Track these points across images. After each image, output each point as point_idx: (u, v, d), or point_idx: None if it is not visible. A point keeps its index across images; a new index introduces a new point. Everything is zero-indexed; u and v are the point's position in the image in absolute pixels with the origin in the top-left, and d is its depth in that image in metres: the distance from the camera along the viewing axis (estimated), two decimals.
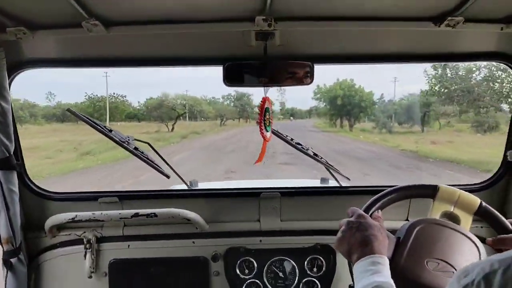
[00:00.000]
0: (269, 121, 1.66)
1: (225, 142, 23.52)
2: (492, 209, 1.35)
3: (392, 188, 1.41)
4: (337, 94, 38.57)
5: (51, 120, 35.20)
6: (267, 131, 1.67)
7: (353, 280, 1.20)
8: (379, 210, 1.32)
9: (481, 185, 1.91)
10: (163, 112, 36.55)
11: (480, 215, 1.35)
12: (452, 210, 1.36)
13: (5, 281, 1.66)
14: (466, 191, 1.40)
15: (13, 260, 1.66)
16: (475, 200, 1.36)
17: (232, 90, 53.14)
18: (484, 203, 1.36)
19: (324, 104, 44.05)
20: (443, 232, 1.25)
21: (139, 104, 42.69)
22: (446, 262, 1.17)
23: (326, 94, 40.63)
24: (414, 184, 1.43)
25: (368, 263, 1.06)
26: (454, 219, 1.34)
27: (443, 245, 1.22)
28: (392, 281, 1.01)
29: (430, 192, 1.41)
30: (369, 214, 1.29)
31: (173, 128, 33.38)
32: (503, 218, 1.32)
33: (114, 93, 40.69)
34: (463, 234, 1.25)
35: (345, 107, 38.14)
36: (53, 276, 1.84)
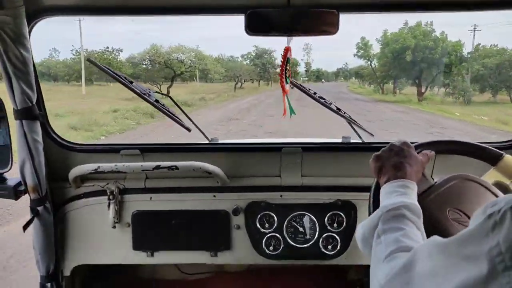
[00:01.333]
0: (289, 73, 1.61)
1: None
2: None
3: (457, 139, 1.37)
4: (405, 45, 27.52)
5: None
6: (286, 82, 1.63)
7: (371, 208, 1.20)
8: (432, 151, 1.26)
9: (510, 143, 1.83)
10: (154, 70, 31.48)
11: None
12: (509, 183, 1.30)
13: (29, 228, 1.71)
14: (496, 148, 1.34)
15: (39, 208, 1.70)
16: None
17: (252, 48, 49.25)
18: None
19: (373, 62, 34.25)
20: (483, 194, 1.21)
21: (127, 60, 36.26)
22: (468, 217, 1.14)
23: (387, 47, 29.58)
24: (482, 145, 1.36)
25: (397, 185, 1.06)
26: (505, 190, 1.28)
27: (473, 202, 1.18)
28: (417, 204, 1.01)
29: (492, 157, 1.34)
30: (418, 151, 1.24)
31: (168, 92, 23.54)
32: None
33: (108, 48, 36.63)
34: None
35: (415, 66, 27.38)
36: (79, 225, 1.90)
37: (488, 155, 1.35)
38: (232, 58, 47.69)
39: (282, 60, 1.55)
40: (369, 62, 34.44)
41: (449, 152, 1.40)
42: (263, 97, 31.70)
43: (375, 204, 1.17)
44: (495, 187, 1.27)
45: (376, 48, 35.47)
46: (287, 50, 1.54)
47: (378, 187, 1.17)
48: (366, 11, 1.63)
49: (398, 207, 0.98)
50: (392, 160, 1.14)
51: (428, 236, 0.97)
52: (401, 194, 1.03)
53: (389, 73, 30.97)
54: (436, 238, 0.74)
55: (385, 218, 0.97)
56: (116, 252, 1.93)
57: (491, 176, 1.32)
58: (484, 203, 1.14)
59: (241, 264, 2.39)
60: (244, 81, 42.07)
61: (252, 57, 49.05)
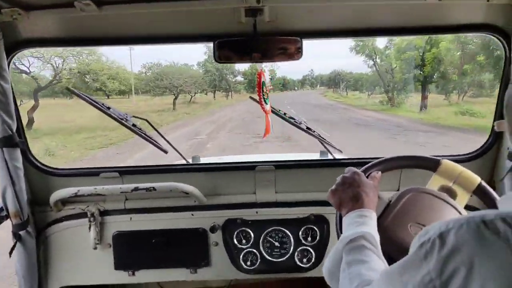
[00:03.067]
0: (267, 94, 1.71)
1: None
2: (491, 189, 1.37)
3: (395, 155, 1.45)
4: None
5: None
6: (266, 103, 1.72)
7: (338, 235, 1.27)
8: (379, 172, 1.36)
9: (470, 155, 1.94)
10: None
11: (478, 194, 1.38)
12: (451, 185, 1.39)
13: (13, 252, 1.76)
14: (456, 161, 1.44)
15: (21, 232, 1.75)
16: (475, 178, 1.39)
17: (204, 50, 43.77)
18: (483, 183, 1.38)
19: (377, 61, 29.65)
20: (435, 202, 1.29)
21: None
22: None
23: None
24: (418, 154, 1.46)
25: (356, 215, 1.13)
26: (451, 193, 1.37)
27: (430, 213, 1.26)
28: (376, 232, 1.08)
29: (432, 165, 1.43)
30: (367, 174, 1.33)
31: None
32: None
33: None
34: (454, 207, 1.29)
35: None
36: (61, 248, 1.95)
37: (428, 164, 1.45)
38: (186, 65, 39.18)
39: (257, 85, 1.64)
40: (371, 62, 29.92)
41: (394, 168, 1.47)
42: (230, 112, 26.73)
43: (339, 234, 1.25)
44: (441, 191, 1.37)
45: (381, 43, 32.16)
46: (260, 74, 1.64)
47: (341, 218, 1.23)
48: (326, 37, 1.74)
49: (357, 238, 1.04)
50: (347, 192, 1.21)
51: (395, 256, 1.04)
52: (359, 225, 1.09)
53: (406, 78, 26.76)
54: (386, 267, 0.82)
55: (347, 250, 1.04)
56: (98, 273, 1.97)
57: (435, 181, 1.41)
58: (443, 215, 1.25)
59: (222, 280, 2.45)
60: (194, 93, 35.12)
61: (204, 62, 41.85)
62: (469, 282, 0.60)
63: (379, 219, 1.19)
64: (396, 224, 1.23)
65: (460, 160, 1.89)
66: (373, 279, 0.92)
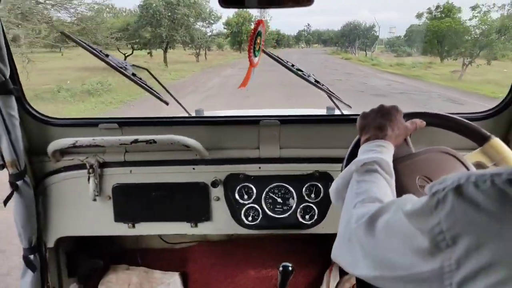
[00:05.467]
0: (259, 46, 1.61)
1: None
2: None
3: (451, 115, 1.37)
4: None
5: None
6: (255, 56, 1.63)
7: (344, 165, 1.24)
8: (423, 122, 1.28)
9: (486, 113, 1.86)
10: None
11: None
12: (489, 165, 1.31)
13: (8, 202, 1.73)
14: (470, 120, 1.36)
15: (19, 182, 1.71)
16: None
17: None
18: None
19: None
20: (456, 167, 1.23)
21: None
22: None
23: None
24: (474, 125, 1.36)
25: (374, 144, 1.10)
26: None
27: (443, 172, 1.20)
28: (391, 162, 1.06)
29: (480, 138, 1.34)
30: (408, 119, 1.26)
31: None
32: None
33: None
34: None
35: None
36: (60, 199, 1.92)
37: (477, 135, 1.35)
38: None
39: (251, 32, 1.53)
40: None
41: (440, 126, 1.40)
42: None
43: (351, 158, 1.19)
44: (477, 167, 1.28)
45: None
46: (259, 23, 1.53)
47: (357, 144, 1.21)
48: None
49: (371, 163, 1.02)
50: (377, 121, 1.17)
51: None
52: (376, 152, 1.07)
53: None
54: (404, 199, 0.77)
55: (359, 171, 1.02)
56: (98, 224, 1.96)
57: (474, 156, 1.33)
58: (452, 172, 1.19)
59: (223, 234, 2.46)
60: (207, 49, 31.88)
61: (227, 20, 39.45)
62: (485, 243, 0.55)
63: (395, 160, 1.14)
64: (407, 171, 1.19)
65: (475, 118, 1.82)
66: (379, 198, 0.91)
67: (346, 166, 1.22)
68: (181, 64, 26.79)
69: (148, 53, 26.49)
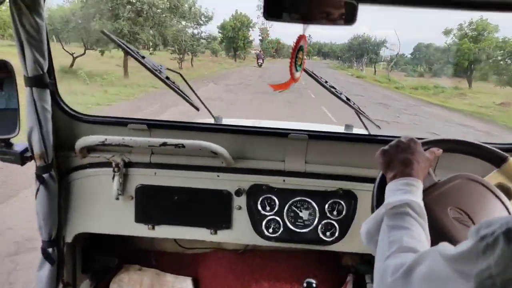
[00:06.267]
0: (302, 61, 1.59)
1: None
2: None
3: (462, 139, 1.36)
4: None
5: None
6: (296, 70, 1.61)
7: (374, 200, 1.21)
8: (440, 150, 1.27)
9: None
10: None
11: None
12: (510, 185, 1.29)
13: (37, 195, 1.73)
14: (501, 149, 1.34)
15: (45, 175, 1.72)
16: None
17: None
18: None
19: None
20: (486, 195, 1.21)
21: None
22: (470, 218, 1.14)
23: None
24: (486, 146, 1.35)
25: (403, 183, 1.07)
26: (507, 192, 1.27)
27: (477, 203, 1.18)
28: (422, 203, 1.02)
29: (497, 160, 1.33)
30: (425, 148, 1.25)
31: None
32: None
33: None
34: (504, 204, 1.20)
35: None
36: (82, 194, 1.92)
37: (493, 157, 1.34)
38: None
39: (293, 47, 1.52)
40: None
41: (456, 152, 1.39)
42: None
43: (379, 198, 1.19)
44: (498, 188, 1.26)
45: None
46: (300, 38, 1.51)
47: (382, 181, 1.18)
48: (385, 4, 1.59)
49: (402, 205, 0.99)
50: (400, 156, 1.15)
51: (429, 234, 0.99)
52: (406, 192, 1.03)
53: None
54: (442, 246, 0.75)
55: (389, 215, 0.99)
56: (117, 223, 1.96)
57: (494, 177, 1.32)
58: (489, 208, 1.17)
59: (238, 243, 2.44)
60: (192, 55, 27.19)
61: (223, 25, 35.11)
62: None
63: (422, 193, 1.12)
64: (437, 203, 1.16)
65: (507, 149, 1.78)
66: (413, 247, 0.88)
67: (375, 204, 1.21)
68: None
69: (101, 52, 20.12)
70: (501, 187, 1.29)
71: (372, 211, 1.16)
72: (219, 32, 39.63)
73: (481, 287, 0.59)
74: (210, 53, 39.10)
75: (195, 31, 27.78)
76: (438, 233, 1.11)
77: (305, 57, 1.58)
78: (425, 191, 1.17)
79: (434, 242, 0.98)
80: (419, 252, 0.81)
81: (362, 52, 48.63)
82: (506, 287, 0.57)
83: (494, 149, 1.35)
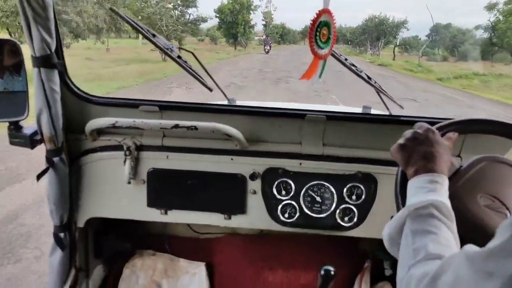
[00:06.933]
0: (328, 37, 1.49)
1: None
2: None
3: (478, 117, 1.26)
4: None
5: None
6: (320, 47, 1.51)
7: (398, 197, 1.13)
8: (456, 133, 1.19)
9: None
10: None
11: None
12: None
13: (47, 179, 1.69)
14: None
15: (55, 159, 1.68)
16: None
17: None
18: None
19: None
20: (510, 173, 1.13)
21: None
22: (502, 203, 1.07)
23: None
24: (503, 121, 1.26)
25: (426, 180, 0.98)
26: None
27: (505, 186, 1.11)
28: (449, 202, 0.94)
29: None
30: (441, 133, 1.16)
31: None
32: None
33: None
34: None
35: None
36: (93, 178, 1.88)
37: None
38: None
39: (311, 23, 1.41)
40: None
41: (474, 132, 1.32)
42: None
43: (402, 196, 1.10)
44: None
45: None
46: (321, 12, 1.41)
47: (403, 178, 1.10)
48: None
49: (426, 206, 0.91)
50: (419, 149, 1.05)
51: (458, 227, 0.91)
52: (429, 191, 0.95)
53: None
54: (467, 248, 0.68)
55: (412, 217, 0.91)
56: (130, 208, 1.92)
57: None
58: None
59: (252, 228, 2.39)
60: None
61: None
62: None
63: None
64: (465, 193, 1.08)
65: None
66: (441, 254, 0.80)
67: (400, 203, 1.12)
68: (123, 65, 17.93)
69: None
70: None
71: (398, 210, 1.09)
72: (216, 16, 35.15)
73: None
74: (209, 41, 35.26)
75: (185, 16, 22.45)
76: (470, 225, 1.04)
77: (335, 32, 1.48)
78: (450, 180, 1.08)
79: (466, 236, 0.91)
80: (445, 258, 0.74)
81: (379, 35, 42.65)
82: None
83: None
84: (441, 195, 0.95)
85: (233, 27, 34.66)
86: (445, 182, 0.99)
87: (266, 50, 35.90)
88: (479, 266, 0.60)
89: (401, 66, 29.79)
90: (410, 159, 1.06)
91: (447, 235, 0.86)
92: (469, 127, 1.27)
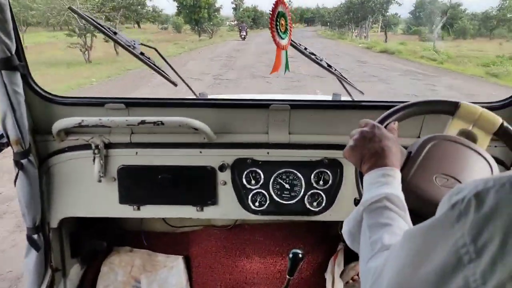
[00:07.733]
0: (286, 27, 1.54)
1: None
2: None
3: (410, 102, 1.33)
4: None
5: None
6: (281, 38, 1.56)
7: (359, 193, 1.19)
8: (396, 122, 1.25)
9: (503, 102, 1.82)
10: None
11: (499, 135, 1.28)
12: (470, 128, 1.29)
13: (17, 181, 1.70)
14: (489, 109, 1.32)
15: (23, 161, 1.68)
16: (497, 119, 1.28)
17: None
18: (505, 123, 1.28)
19: None
20: (457, 149, 1.20)
21: None
22: (455, 179, 1.13)
23: None
24: (434, 99, 1.35)
25: (378, 175, 1.02)
26: (471, 137, 1.27)
27: (455, 162, 1.17)
28: (401, 194, 0.98)
29: (450, 108, 1.32)
30: (384, 125, 1.22)
31: None
32: None
33: None
34: (477, 152, 1.19)
35: None
36: (64, 178, 1.89)
37: (445, 107, 1.34)
38: None
39: (271, 12, 1.46)
40: None
41: (411, 116, 1.35)
42: None
43: (360, 190, 1.17)
44: (460, 135, 1.27)
45: None
46: (277, 3, 1.46)
47: (361, 176, 1.13)
48: None
49: (380, 199, 0.94)
50: (368, 147, 1.09)
51: (423, 212, 0.92)
52: (382, 185, 0.98)
53: None
54: (409, 229, 0.71)
55: (368, 212, 0.95)
56: (102, 206, 1.94)
57: (454, 126, 1.31)
58: (467, 162, 1.16)
59: (227, 219, 2.44)
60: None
61: None
62: (508, 249, 0.51)
63: (401, 173, 1.08)
64: (420, 177, 1.13)
65: (492, 107, 1.77)
66: (394, 243, 0.83)
67: (357, 199, 1.18)
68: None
69: None
70: (463, 133, 1.29)
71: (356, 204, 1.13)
72: (174, 0, 29.93)
73: (458, 257, 0.56)
74: (172, 29, 30.48)
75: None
76: (433, 207, 1.09)
77: (290, 22, 1.53)
78: (403, 169, 1.14)
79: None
80: (392, 246, 0.76)
81: (366, 13, 36.98)
82: (479, 255, 0.53)
83: (443, 99, 1.34)
84: (394, 187, 0.98)
85: (195, 11, 29.88)
86: (396, 174, 1.03)
87: (243, 36, 34.24)
88: (421, 241, 0.63)
89: (410, 51, 23.63)
90: (362, 158, 1.09)
91: (402, 226, 0.90)
92: (404, 114, 1.32)
